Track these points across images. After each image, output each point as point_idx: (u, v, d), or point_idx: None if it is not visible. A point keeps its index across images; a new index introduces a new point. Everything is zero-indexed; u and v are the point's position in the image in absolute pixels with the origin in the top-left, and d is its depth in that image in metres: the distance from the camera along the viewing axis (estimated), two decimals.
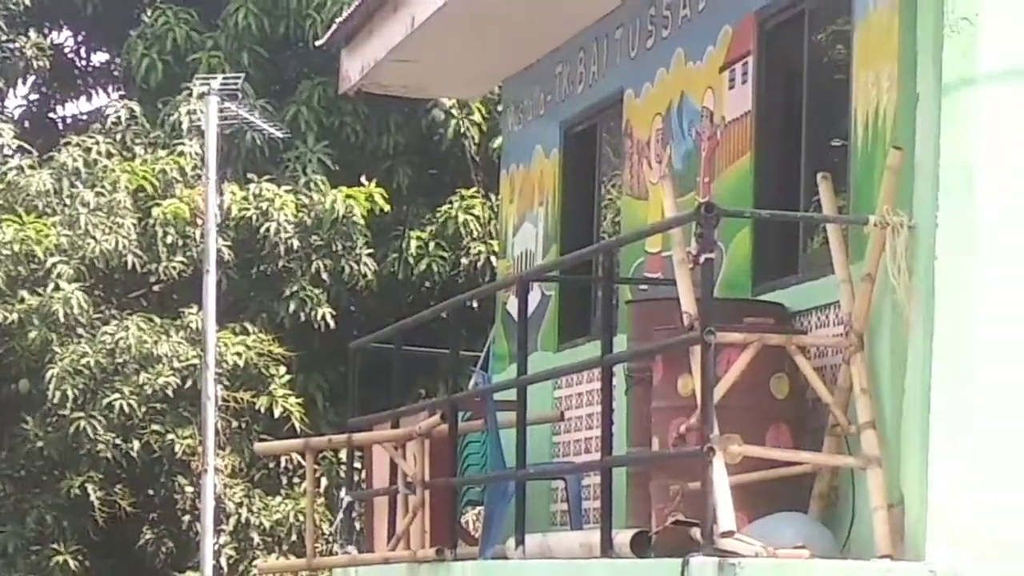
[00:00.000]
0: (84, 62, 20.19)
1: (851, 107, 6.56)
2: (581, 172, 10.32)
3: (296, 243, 15.83)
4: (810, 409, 6.28)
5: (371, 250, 16.22)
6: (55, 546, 15.41)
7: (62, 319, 14.54)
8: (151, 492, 16.43)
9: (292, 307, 15.94)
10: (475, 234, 16.35)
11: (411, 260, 16.40)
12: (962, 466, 5.57)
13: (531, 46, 10.51)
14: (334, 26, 12.27)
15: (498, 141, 12.74)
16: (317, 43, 12.62)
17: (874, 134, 6.33)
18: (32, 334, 14.37)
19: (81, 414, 14.59)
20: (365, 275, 16.19)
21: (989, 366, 5.66)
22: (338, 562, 10.54)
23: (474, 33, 10.45)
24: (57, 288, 14.42)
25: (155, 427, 15.31)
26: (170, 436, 15.55)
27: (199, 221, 15.55)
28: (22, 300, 14.43)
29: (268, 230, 16.09)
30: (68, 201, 14.69)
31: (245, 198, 16.17)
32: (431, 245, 16.03)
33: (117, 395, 14.26)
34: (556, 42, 10.22)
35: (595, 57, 9.87)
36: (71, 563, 14.84)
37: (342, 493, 11.06)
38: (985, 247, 5.78)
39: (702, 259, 5.75)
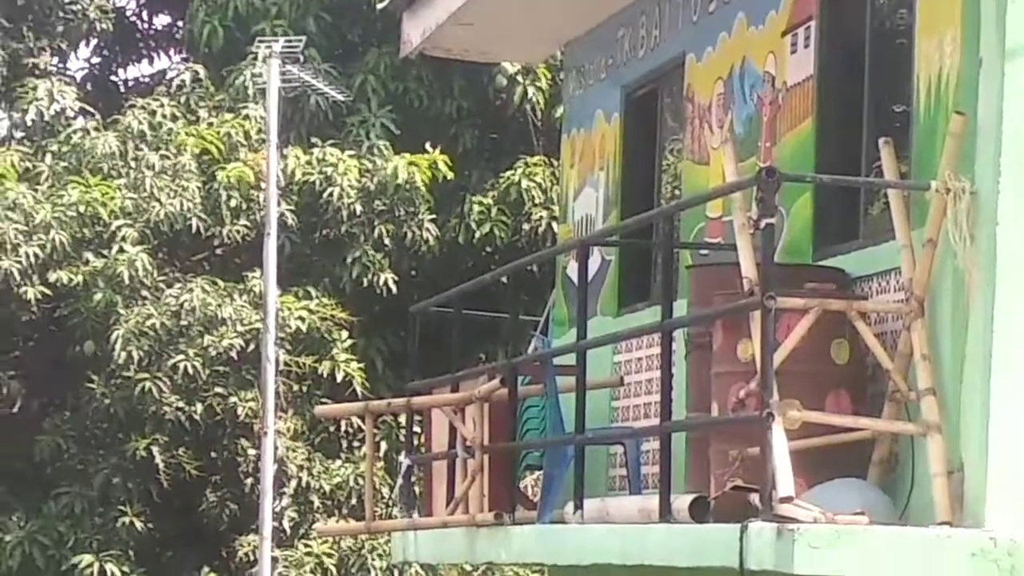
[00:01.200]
0: (146, 25, 20.35)
1: (913, 72, 6.52)
2: (642, 137, 10.26)
3: (359, 208, 15.83)
4: (870, 375, 6.26)
5: (433, 215, 16.19)
6: (121, 507, 15.67)
7: (127, 281, 14.63)
8: (213, 455, 16.63)
9: (354, 272, 15.99)
10: (537, 200, 16.29)
11: (473, 225, 16.34)
12: (1023, 433, 5.64)
13: (592, 10, 10.42)
14: None
15: (560, 108, 12.62)
16: (379, 6, 12.52)
17: (936, 99, 6.31)
18: (97, 296, 14.46)
19: (146, 375, 14.73)
20: (427, 240, 16.19)
21: None
22: (397, 526, 10.38)
23: (540, 12, 10.51)
24: (122, 250, 14.50)
25: (218, 389, 15.44)
26: (232, 399, 15.70)
27: (262, 185, 15.62)
28: (87, 262, 14.54)
29: (331, 195, 16.14)
30: (133, 164, 14.73)
31: (308, 162, 16.24)
32: (493, 211, 15.98)
33: (181, 356, 14.38)
34: (617, 6, 10.15)
35: (656, 21, 9.75)
36: (137, 524, 15.09)
37: (401, 457, 11.01)
38: None
39: (763, 224, 5.73)
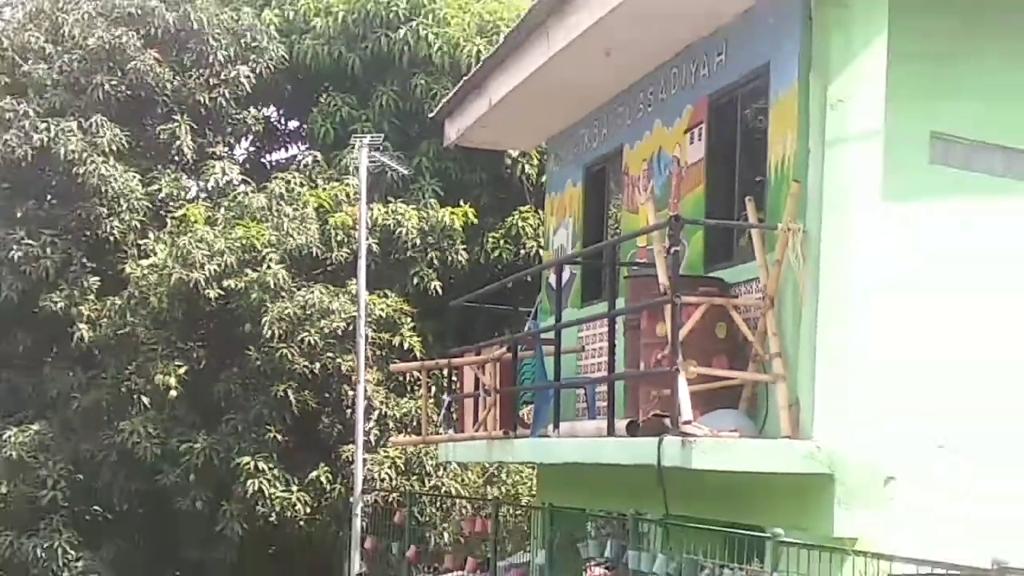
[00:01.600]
0: (283, 126, 20.09)
1: (768, 156, 6.09)
2: (595, 197, 9.35)
3: (417, 241, 15.53)
4: (741, 345, 5.85)
5: (464, 246, 15.99)
6: (267, 428, 15.27)
7: (272, 287, 14.37)
8: (326, 395, 16.24)
9: (415, 281, 15.73)
10: (529, 235, 15.90)
11: (488, 251, 16.08)
12: (836, 382, 5.35)
13: (564, 118, 9.36)
14: (440, 105, 11.02)
15: (544, 177, 11.93)
16: (431, 115, 11.87)
17: (782, 173, 5.94)
18: (253, 295, 14.21)
19: (284, 346, 14.36)
20: (460, 261, 15.88)
21: (856, 320, 5.41)
22: (441, 439, 10.05)
23: (528, 112, 9.51)
24: (269, 267, 14.18)
25: (329, 354, 15.09)
26: (338, 360, 15.35)
27: (356, 227, 15.33)
28: (247, 275, 14.27)
29: (400, 233, 15.85)
30: (276, 214, 14.47)
31: (386, 213, 15.97)
32: (501, 242, 15.72)
33: (306, 333, 14.10)
34: (579, 115, 9.22)
35: (605, 124, 8.79)
36: (278, 438, 14.74)
37: (444, 396, 10.69)
38: (854, 247, 5.48)
39: (672, 251, 5.54)
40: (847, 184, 5.28)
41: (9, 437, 11.78)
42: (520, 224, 14.19)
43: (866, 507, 4.94)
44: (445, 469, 12.29)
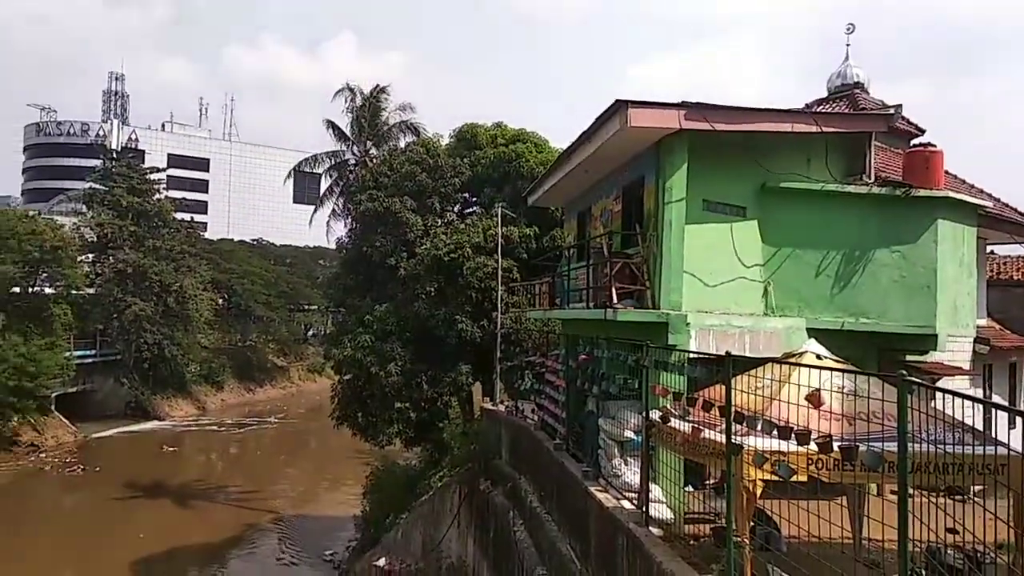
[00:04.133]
0: (469, 200, 31.32)
1: (644, 207, 10.69)
2: (581, 224, 15.00)
3: (518, 239, 27.94)
4: (635, 277, 10.09)
5: (535, 241, 28.79)
6: (466, 306, 26.17)
7: (470, 256, 27.07)
8: (488, 299, 25.30)
9: (518, 254, 27.75)
10: (558, 238, 24.96)
11: (543, 244, 27.86)
12: (667, 289, 9.83)
13: (570, 195, 15.36)
14: (527, 191, 18.18)
15: (563, 217, 18.73)
16: (523, 195, 19.25)
17: (650, 215, 10.46)
18: (467, 262, 26.66)
19: (471, 279, 25.59)
20: (532, 247, 27.94)
21: (673, 268, 9.97)
22: (535, 311, 18.43)
23: (558, 193, 15.44)
24: (467, 251, 27.63)
25: (491, 281, 26.42)
26: (492, 284, 25.08)
27: (494, 242, 26.03)
28: (463, 253, 28.28)
29: (512, 236, 26.86)
30: (478, 232, 28.81)
31: (505, 235, 28.11)
32: (546, 241, 27.86)
33: (480, 272, 26.30)
34: (576, 194, 14.92)
35: (586, 194, 14.30)
36: (468, 307, 26.49)
37: (530, 296, 22.20)
38: (673, 241, 9.83)
39: (608, 243, 10.25)
40: (672, 218, 10.00)
41: (376, 311, 28.31)
42: (556, 234, 22.87)
43: (679, 333, 9.69)
44: (529, 320, 24.12)
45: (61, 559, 31.26)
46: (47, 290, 52.71)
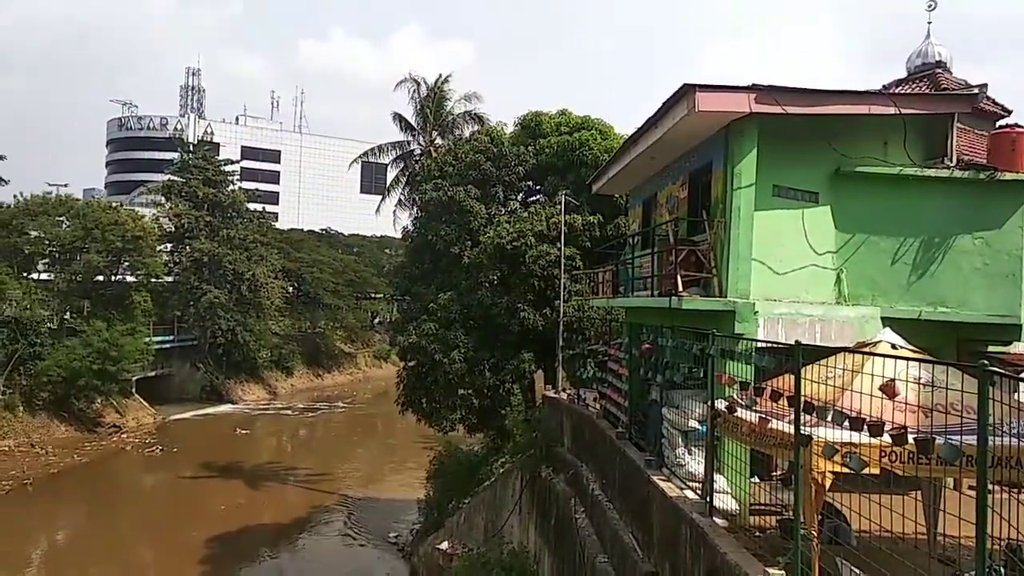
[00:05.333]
0: (538, 186, 31.05)
1: (712, 193, 10.58)
2: (646, 211, 15.12)
3: (581, 227, 27.20)
4: (701, 264, 10.04)
5: (599, 229, 28.14)
6: (529, 295, 25.95)
7: (532, 245, 26.91)
8: (551, 286, 24.97)
9: (581, 242, 27.30)
10: (622, 226, 24.69)
11: (607, 231, 27.32)
12: (735, 278, 9.80)
13: (635, 182, 15.43)
14: (590, 179, 18.56)
15: (628, 204, 18.82)
16: (587, 183, 19.71)
17: (720, 203, 10.26)
18: (529, 250, 27.20)
19: (532, 266, 26.00)
20: (596, 235, 27.45)
21: (742, 257, 9.82)
22: (598, 299, 22.17)
23: (622, 180, 15.53)
24: (529, 239, 27.50)
25: (552, 269, 25.98)
26: (555, 271, 25.33)
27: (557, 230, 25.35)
28: (524, 240, 27.57)
29: (576, 223, 26.51)
30: (531, 219, 28.10)
31: (568, 223, 25.84)
32: (610, 229, 27.17)
33: (542, 260, 26.58)
34: (640, 181, 15.02)
35: (651, 181, 14.44)
36: (531, 296, 26.20)
37: (592, 283, 23.77)
38: (743, 228, 9.76)
39: (675, 229, 10.52)
40: (740, 204, 9.89)
41: (440, 299, 28.70)
42: (620, 222, 22.93)
43: (746, 321, 9.63)
44: (592, 308, 24.89)
45: (143, 534, 32.81)
46: (128, 278, 55.07)
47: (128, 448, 45.58)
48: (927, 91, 13.67)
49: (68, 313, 48.62)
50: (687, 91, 10.01)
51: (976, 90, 12.19)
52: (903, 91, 13.93)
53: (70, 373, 44.44)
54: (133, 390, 53.47)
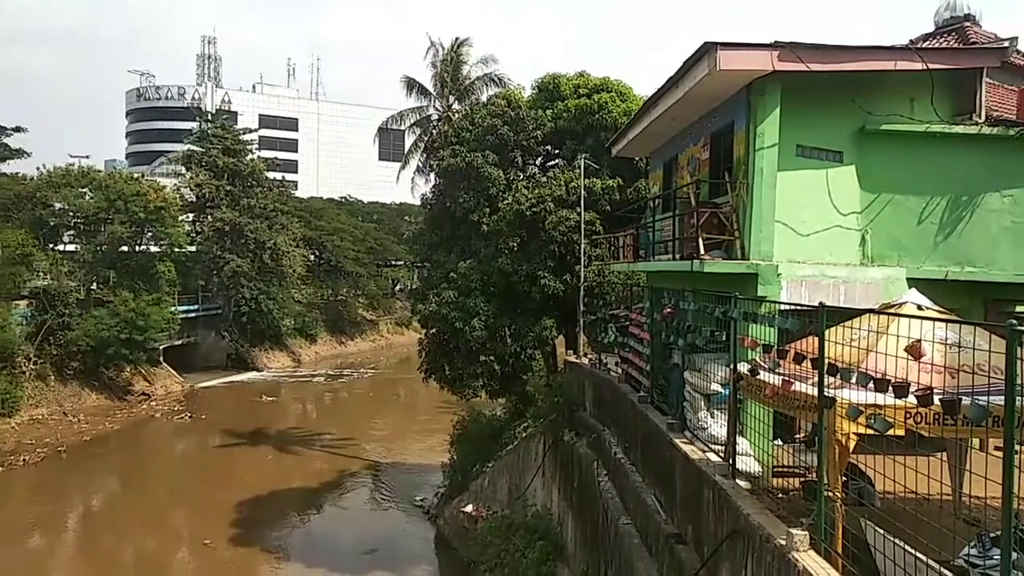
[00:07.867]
0: (556, 151, 30.74)
1: (734, 154, 10.49)
2: (667, 173, 15.05)
3: (600, 191, 27.21)
4: (723, 226, 9.93)
5: (618, 193, 27.58)
6: (549, 261, 25.92)
7: (551, 210, 26.68)
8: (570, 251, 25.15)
9: (601, 206, 27.00)
10: (642, 189, 24.32)
11: (628, 195, 26.55)
12: (758, 240, 9.76)
13: (656, 143, 15.27)
14: (610, 141, 18.98)
15: (648, 167, 18.56)
16: (607, 145, 20.10)
17: (739, 162, 10.27)
18: (549, 216, 27.04)
19: (551, 231, 25.61)
20: (616, 199, 26.96)
21: (765, 219, 9.79)
22: (619, 263, 23.03)
23: (643, 142, 15.54)
24: (549, 204, 27.31)
25: (573, 234, 25.81)
26: (576, 237, 25.46)
27: (577, 194, 25.68)
28: (545, 206, 27.44)
29: (595, 187, 26.38)
30: (557, 182, 27.82)
31: (588, 186, 25.21)
32: (630, 192, 26.71)
33: (562, 226, 25.66)
34: (662, 143, 14.87)
35: (672, 143, 14.29)
36: (551, 263, 26.13)
37: (612, 248, 23.65)
38: (766, 188, 9.61)
39: (696, 191, 10.34)
40: (763, 165, 9.80)
41: (460, 266, 28.62)
42: (640, 185, 22.55)
43: (769, 284, 9.57)
44: (613, 273, 25.37)
45: (175, 498, 33.57)
46: (152, 248, 55.66)
47: (157, 415, 46.46)
48: (955, 45, 13.32)
49: (95, 284, 49.23)
50: (708, 49, 9.84)
51: (1006, 44, 11.90)
52: (930, 45, 13.57)
53: (98, 343, 45.21)
54: (161, 359, 54.36)
